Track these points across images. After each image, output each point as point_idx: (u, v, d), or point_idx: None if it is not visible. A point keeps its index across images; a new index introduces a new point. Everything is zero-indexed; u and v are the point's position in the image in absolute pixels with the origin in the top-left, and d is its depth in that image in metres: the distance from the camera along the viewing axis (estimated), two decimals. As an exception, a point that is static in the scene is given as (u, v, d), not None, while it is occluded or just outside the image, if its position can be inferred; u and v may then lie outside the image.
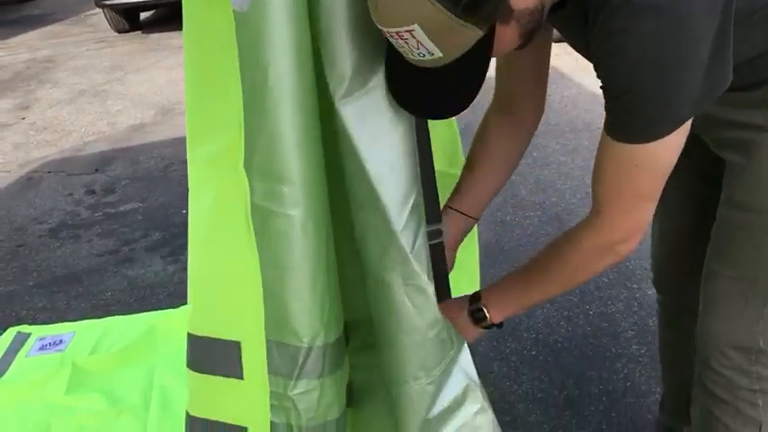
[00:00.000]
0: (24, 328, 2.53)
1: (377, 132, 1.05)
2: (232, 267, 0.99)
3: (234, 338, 1.01)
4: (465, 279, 1.47)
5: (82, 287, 2.95)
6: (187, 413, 1.08)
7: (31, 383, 2.21)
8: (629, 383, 2.12)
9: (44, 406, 2.10)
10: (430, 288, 1.13)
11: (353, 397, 1.36)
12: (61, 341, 2.38)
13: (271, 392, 1.12)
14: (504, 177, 1.39)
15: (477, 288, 1.31)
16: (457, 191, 1.39)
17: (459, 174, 1.71)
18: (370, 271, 1.15)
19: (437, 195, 1.31)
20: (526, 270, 1.22)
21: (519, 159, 1.39)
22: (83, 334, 2.40)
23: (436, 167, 1.65)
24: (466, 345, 1.25)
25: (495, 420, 1.26)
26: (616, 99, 0.96)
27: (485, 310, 1.23)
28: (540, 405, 2.07)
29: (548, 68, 1.30)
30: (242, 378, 1.02)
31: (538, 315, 2.44)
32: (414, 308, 1.14)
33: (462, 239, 1.42)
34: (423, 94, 1.02)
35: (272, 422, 1.13)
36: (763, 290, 1.21)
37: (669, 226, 1.50)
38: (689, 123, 0.98)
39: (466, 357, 1.24)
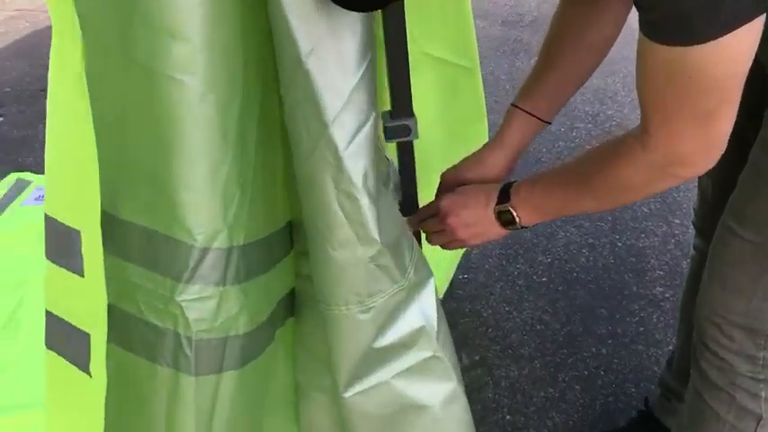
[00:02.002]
0: (25, 176, 2.44)
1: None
2: (68, 141, 0.79)
3: (75, 226, 0.82)
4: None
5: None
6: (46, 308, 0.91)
7: (17, 232, 2.13)
8: (642, 329, 1.88)
9: (23, 258, 2.01)
10: (364, 198, 0.91)
11: (295, 307, 1.18)
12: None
13: (156, 294, 0.94)
14: (587, 72, 1.10)
15: None
16: (527, 87, 1.13)
17: (470, 67, 1.46)
18: (300, 166, 0.93)
19: (408, 82, 1.07)
20: (566, 176, 0.99)
21: (607, 50, 1.09)
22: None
23: (435, 53, 1.40)
24: (431, 284, 1.04)
25: (455, 374, 1.07)
26: None
27: (513, 213, 1.03)
28: (537, 338, 1.87)
29: None
30: (82, 276, 0.84)
31: (559, 237, 2.19)
32: (345, 219, 0.92)
33: (528, 146, 1.17)
34: None
35: (157, 328, 0.96)
36: (786, 262, 0.95)
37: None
38: (761, 20, 0.70)
39: (429, 298, 1.03)
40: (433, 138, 1.40)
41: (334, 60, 0.86)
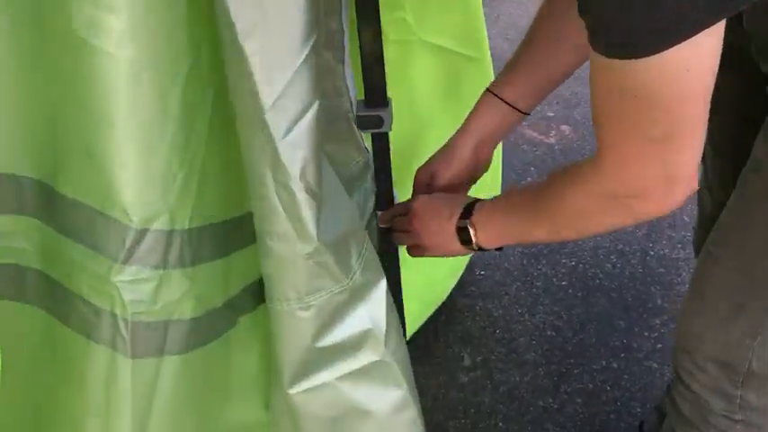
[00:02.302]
0: None
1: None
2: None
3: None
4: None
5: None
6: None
7: None
8: (659, 345, 1.78)
9: None
10: (301, 193, 0.86)
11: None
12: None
13: (94, 273, 0.92)
14: (568, 68, 1.02)
15: None
16: (505, 73, 1.07)
17: (477, 57, 1.39)
18: (244, 151, 0.89)
19: (382, 70, 1.01)
20: (527, 198, 0.92)
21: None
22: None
23: (436, 41, 1.33)
24: (382, 287, 0.99)
25: (405, 381, 1.02)
26: None
27: (471, 232, 0.96)
28: (546, 344, 1.79)
29: None
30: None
31: (587, 241, 2.09)
32: (284, 212, 0.88)
33: (502, 139, 1.11)
34: None
35: (95, 307, 0.94)
36: (770, 294, 0.85)
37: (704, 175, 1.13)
38: (721, 28, 0.62)
39: (378, 300, 0.98)
40: (436, 129, 1.34)
41: (272, 43, 0.81)
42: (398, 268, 1.18)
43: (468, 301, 1.91)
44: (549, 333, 1.81)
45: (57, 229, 0.92)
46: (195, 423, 1.08)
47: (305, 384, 1.00)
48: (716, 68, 0.64)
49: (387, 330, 0.98)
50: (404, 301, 1.56)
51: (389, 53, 1.24)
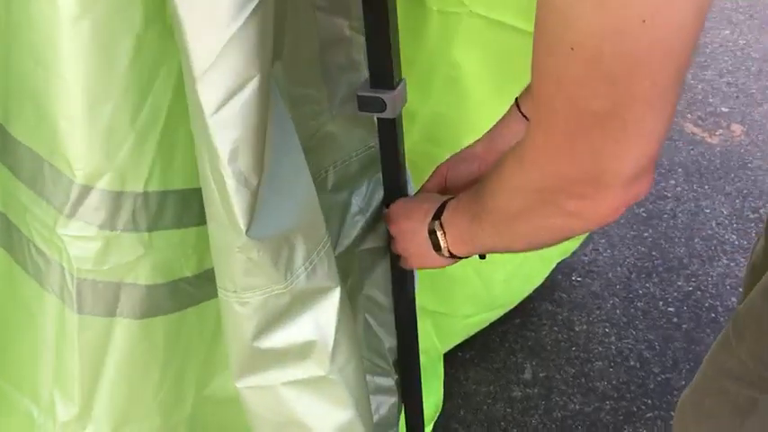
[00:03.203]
0: None
1: None
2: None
3: None
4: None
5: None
6: None
7: None
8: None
9: None
10: (230, 180, 0.75)
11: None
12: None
13: (43, 221, 0.89)
14: None
15: None
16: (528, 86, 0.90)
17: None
18: (191, 122, 0.80)
19: (389, 45, 0.88)
20: (476, 191, 0.75)
21: None
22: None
23: (491, 15, 1.13)
24: (334, 297, 0.87)
25: (352, 403, 0.91)
26: None
27: (438, 235, 0.82)
28: (624, 375, 1.56)
29: None
30: None
31: (717, 265, 1.79)
32: (218, 195, 0.78)
33: None
34: None
35: (45, 256, 0.91)
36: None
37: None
38: None
39: (328, 311, 0.87)
40: (485, 113, 1.17)
41: (203, 6, 0.70)
42: (410, 274, 1.05)
43: (552, 308, 1.71)
44: (632, 363, 1.58)
45: (12, 171, 0.90)
46: (167, 389, 1.04)
47: (250, 381, 0.91)
48: (695, 31, 0.46)
49: (335, 344, 0.87)
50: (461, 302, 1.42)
51: (432, 25, 1.08)
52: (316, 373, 0.88)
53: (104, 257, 0.89)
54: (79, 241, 0.87)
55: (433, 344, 1.41)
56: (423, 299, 1.37)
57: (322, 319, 0.86)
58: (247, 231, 0.78)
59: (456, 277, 1.33)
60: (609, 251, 1.86)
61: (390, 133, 0.94)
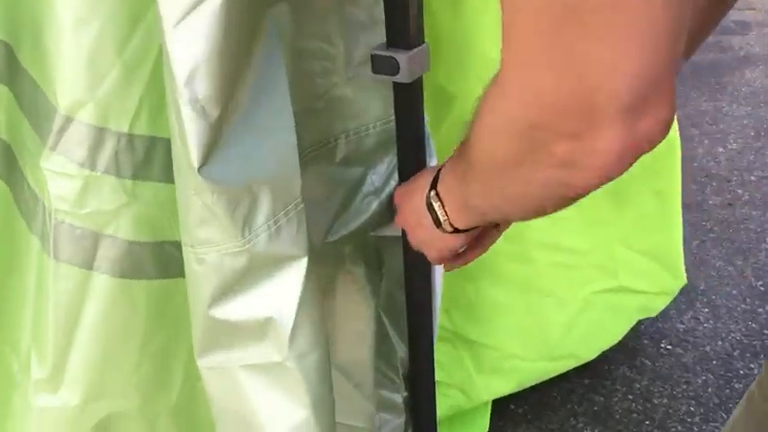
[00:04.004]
0: None
1: None
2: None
3: None
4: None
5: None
6: None
7: None
8: None
9: None
10: (186, 107, 0.67)
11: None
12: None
13: (32, 153, 0.86)
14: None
15: None
16: None
17: None
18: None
19: (419, 2, 0.77)
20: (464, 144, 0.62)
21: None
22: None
23: None
24: (300, 268, 0.75)
25: (310, 399, 0.78)
26: None
27: (435, 207, 0.69)
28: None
29: None
30: None
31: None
32: (176, 124, 0.70)
33: None
34: None
35: (33, 193, 0.87)
36: None
37: None
38: None
39: (290, 284, 0.75)
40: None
41: None
42: (425, 268, 0.91)
43: (630, 374, 1.49)
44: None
45: (17, 99, 0.87)
46: (148, 367, 0.95)
47: (211, 360, 0.81)
48: None
49: (296, 326, 0.75)
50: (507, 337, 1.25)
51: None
52: (272, 357, 0.76)
53: (83, 200, 0.83)
54: (59, 178, 0.82)
55: (469, 378, 1.24)
56: (456, 322, 1.21)
57: (283, 292, 0.74)
58: (200, 169, 0.69)
59: (499, 304, 1.17)
60: (711, 322, 1.61)
61: (406, 102, 0.82)
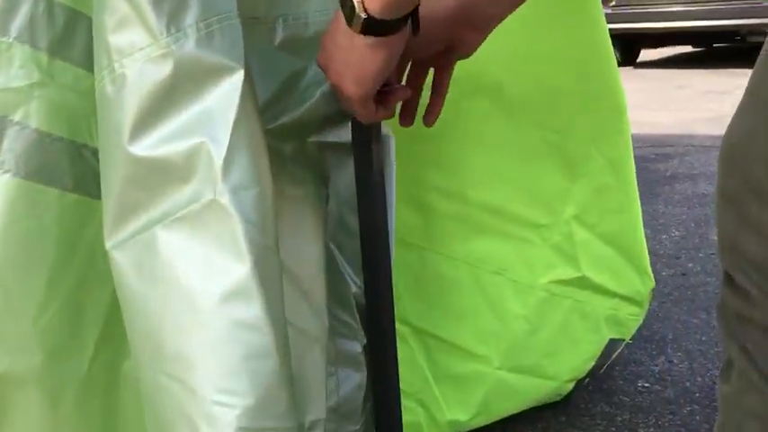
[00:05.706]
0: None
1: None
2: None
3: None
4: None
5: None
6: None
7: None
8: None
9: None
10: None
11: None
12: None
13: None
14: None
15: None
16: None
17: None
18: None
19: None
20: None
21: None
22: None
23: None
24: (236, 82, 0.66)
25: (249, 252, 0.64)
26: None
27: None
28: None
29: None
30: None
31: None
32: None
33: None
34: None
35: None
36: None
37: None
38: None
39: (226, 98, 0.65)
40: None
41: None
42: (381, 176, 0.81)
43: (610, 409, 1.34)
44: None
45: None
46: (54, 316, 0.80)
47: (125, 230, 0.67)
48: None
49: (230, 152, 0.63)
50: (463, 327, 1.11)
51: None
52: (202, 196, 0.63)
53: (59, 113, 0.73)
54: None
55: (428, 387, 1.07)
56: (404, 301, 1.06)
57: (215, 112, 0.63)
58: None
59: (445, 278, 1.04)
60: (686, 363, 1.50)
61: None
